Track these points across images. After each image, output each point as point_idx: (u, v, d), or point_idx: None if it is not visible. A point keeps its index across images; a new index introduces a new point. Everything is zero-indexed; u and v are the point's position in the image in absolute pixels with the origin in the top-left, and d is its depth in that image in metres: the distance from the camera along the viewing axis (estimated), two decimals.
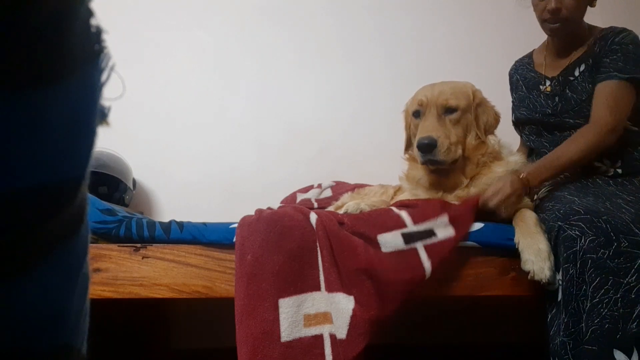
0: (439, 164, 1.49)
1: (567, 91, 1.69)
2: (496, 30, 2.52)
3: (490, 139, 1.59)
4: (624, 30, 1.63)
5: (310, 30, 2.53)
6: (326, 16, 2.54)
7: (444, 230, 1.33)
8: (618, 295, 1.18)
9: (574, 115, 1.66)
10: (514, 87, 1.93)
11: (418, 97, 1.59)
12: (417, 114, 1.58)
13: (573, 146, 1.53)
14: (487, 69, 2.44)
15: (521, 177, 1.49)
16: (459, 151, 1.51)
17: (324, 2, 2.55)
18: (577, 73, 1.69)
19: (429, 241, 1.31)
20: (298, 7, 2.54)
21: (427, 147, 1.45)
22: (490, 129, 1.60)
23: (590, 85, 1.63)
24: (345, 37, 2.53)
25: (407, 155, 1.71)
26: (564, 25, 1.65)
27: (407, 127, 1.69)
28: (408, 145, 1.71)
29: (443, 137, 1.48)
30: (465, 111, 1.55)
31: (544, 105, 1.75)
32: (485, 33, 2.53)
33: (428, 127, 1.50)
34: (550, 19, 1.64)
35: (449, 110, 1.53)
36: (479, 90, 1.63)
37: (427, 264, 1.26)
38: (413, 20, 2.55)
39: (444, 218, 1.35)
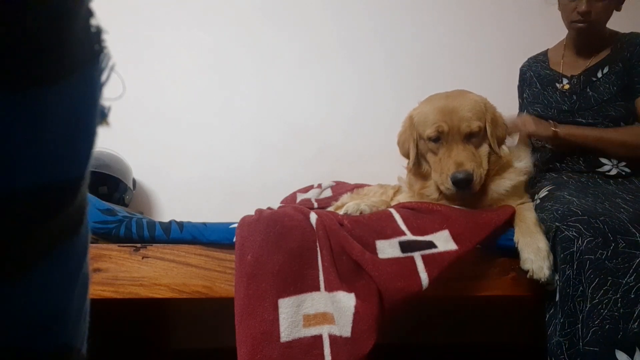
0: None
1: (588, 90, 1.72)
2: (497, 30, 2.52)
3: (503, 149, 1.55)
4: None
5: (311, 30, 2.53)
6: (326, 16, 2.54)
7: (444, 243, 1.30)
8: (617, 296, 1.18)
9: (591, 114, 1.69)
10: (526, 84, 1.92)
11: (434, 121, 1.46)
12: (435, 139, 1.48)
13: (618, 130, 1.64)
14: (487, 69, 2.44)
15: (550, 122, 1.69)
16: (486, 170, 1.47)
17: (324, 3, 2.55)
18: (600, 74, 1.72)
19: (427, 251, 1.27)
20: (298, 8, 2.54)
21: (465, 183, 1.40)
22: (502, 141, 1.55)
23: (614, 88, 1.68)
24: (346, 37, 2.53)
25: (409, 168, 1.62)
26: (591, 27, 1.69)
27: (414, 146, 1.55)
28: (407, 157, 1.61)
29: (476, 168, 1.42)
30: (485, 130, 1.49)
31: (559, 102, 1.77)
32: (486, 32, 2.53)
33: (458, 158, 1.42)
34: (579, 21, 1.68)
35: (471, 134, 1.46)
36: (490, 103, 1.55)
37: (423, 274, 1.22)
38: (413, 20, 2.55)
39: (445, 232, 1.33)
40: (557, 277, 1.28)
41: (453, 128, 1.44)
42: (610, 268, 1.19)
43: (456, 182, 1.41)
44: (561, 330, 1.23)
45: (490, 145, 1.49)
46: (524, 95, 1.93)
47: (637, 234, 1.22)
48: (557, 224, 1.31)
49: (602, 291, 1.19)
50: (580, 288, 1.22)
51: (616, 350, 1.15)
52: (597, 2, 1.64)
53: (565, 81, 1.79)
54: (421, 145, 1.54)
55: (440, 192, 1.51)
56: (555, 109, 1.76)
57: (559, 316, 1.25)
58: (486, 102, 1.54)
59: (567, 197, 1.41)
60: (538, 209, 1.47)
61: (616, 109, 1.67)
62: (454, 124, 1.44)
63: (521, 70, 1.98)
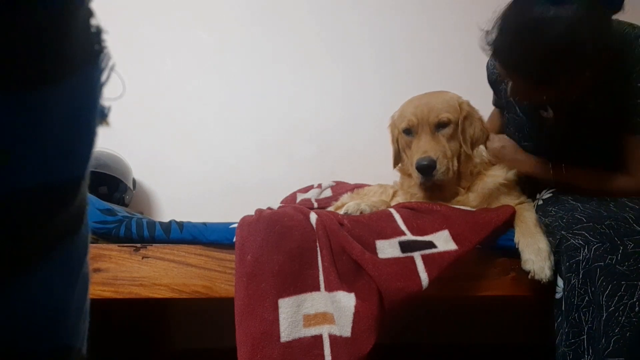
0: (437, 182, 1.47)
1: (578, 131, 1.44)
2: None
3: (475, 151, 1.55)
4: None
5: (311, 29, 2.53)
6: (327, 15, 2.54)
7: (444, 243, 1.30)
8: (634, 299, 1.14)
9: (589, 163, 1.45)
10: (502, 96, 1.64)
11: (407, 114, 1.52)
12: (408, 132, 1.53)
13: (598, 178, 1.42)
14: (481, 68, 2.44)
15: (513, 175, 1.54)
16: (456, 166, 1.49)
17: (324, 2, 2.55)
18: (591, 105, 1.40)
19: (427, 251, 1.27)
20: (298, 7, 2.54)
21: (427, 169, 1.43)
22: (477, 142, 1.55)
23: (607, 127, 1.40)
24: (346, 37, 2.53)
25: (397, 168, 1.68)
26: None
27: (395, 142, 1.64)
28: (396, 159, 1.67)
29: (441, 156, 1.45)
30: (457, 124, 1.50)
31: (549, 147, 1.52)
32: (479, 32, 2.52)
33: (424, 147, 1.46)
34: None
35: (441, 125, 1.49)
36: (465, 101, 1.57)
37: (423, 274, 1.22)
38: (413, 19, 2.55)
39: (445, 232, 1.33)
40: (561, 286, 1.26)
41: (423, 119, 1.49)
42: (622, 272, 1.16)
43: (419, 168, 1.44)
44: (566, 340, 1.20)
45: (463, 145, 1.51)
46: (504, 119, 1.70)
47: None
48: (563, 232, 1.28)
49: (616, 297, 1.15)
50: (587, 298, 1.19)
51: None
52: (540, 92, 1.32)
53: (549, 109, 1.49)
54: (400, 141, 1.60)
55: (425, 189, 1.53)
56: (545, 153, 1.52)
57: (564, 326, 1.22)
58: (460, 100, 1.56)
59: (572, 201, 1.38)
60: (541, 211, 1.44)
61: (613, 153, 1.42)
62: (424, 115, 1.49)
63: (489, 73, 1.69)
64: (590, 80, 1.29)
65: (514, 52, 1.28)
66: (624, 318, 1.14)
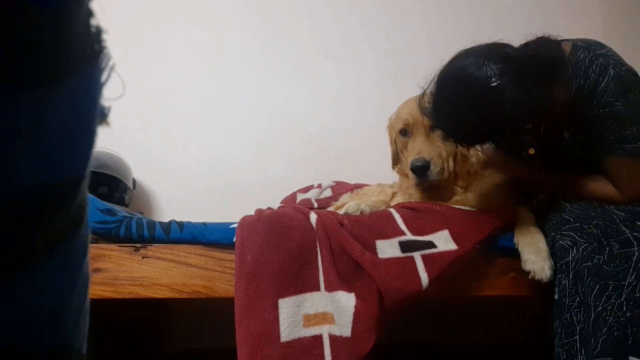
0: (433, 182, 1.48)
1: (560, 156, 1.43)
2: (489, 32, 2.51)
3: (471, 151, 1.54)
4: (602, 72, 1.27)
5: (311, 30, 2.53)
6: (327, 16, 2.54)
7: (444, 243, 1.30)
8: (622, 299, 1.14)
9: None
10: None
11: (403, 115, 1.54)
12: (404, 133, 1.55)
13: (590, 187, 1.36)
14: None
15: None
16: (452, 166, 1.50)
17: (324, 3, 2.55)
18: (566, 134, 1.40)
19: (427, 251, 1.28)
20: (298, 8, 2.54)
21: (421, 170, 1.44)
22: None
23: (587, 156, 1.37)
24: (346, 37, 2.53)
25: (396, 169, 1.69)
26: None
27: (393, 143, 1.66)
28: (395, 160, 1.68)
29: (436, 157, 1.46)
30: None
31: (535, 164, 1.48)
32: (479, 35, 2.52)
33: (419, 148, 1.48)
34: None
35: (434, 126, 1.48)
36: None
37: (423, 274, 1.22)
38: (411, 19, 2.55)
39: (444, 232, 1.33)
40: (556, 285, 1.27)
41: (417, 120, 1.51)
42: (609, 272, 1.17)
43: (413, 169, 1.46)
44: (559, 340, 1.21)
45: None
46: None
47: (628, 231, 1.20)
48: (552, 233, 1.30)
49: (604, 297, 1.15)
50: (577, 298, 1.20)
51: (630, 356, 1.11)
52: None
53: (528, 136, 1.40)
54: (397, 142, 1.61)
55: (422, 190, 1.54)
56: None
57: (558, 326, 1.24)
58: None
59: (561, 201, 1.38)
60: (535, 212, 1.45)
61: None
62: (419, 116, 1.49)
63: None
64: (546, 125, 1.28)
65: (446, 122, 1.31)
66: (611, 318, 1.13)
